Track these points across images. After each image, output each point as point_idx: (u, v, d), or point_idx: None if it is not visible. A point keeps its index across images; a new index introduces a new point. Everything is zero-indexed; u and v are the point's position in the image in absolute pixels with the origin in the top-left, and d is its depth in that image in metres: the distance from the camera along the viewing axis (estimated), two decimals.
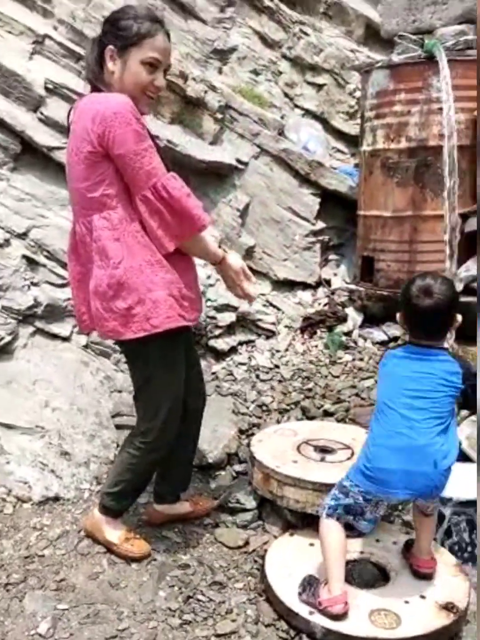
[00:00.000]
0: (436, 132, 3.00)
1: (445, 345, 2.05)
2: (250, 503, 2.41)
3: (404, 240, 3.23)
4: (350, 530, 1.96)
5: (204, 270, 3.29)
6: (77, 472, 2.61)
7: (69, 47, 3.43)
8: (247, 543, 2.28)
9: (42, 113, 3.23)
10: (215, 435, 2.79)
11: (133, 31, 1.91)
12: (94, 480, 2.61)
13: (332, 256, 4.01)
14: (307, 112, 4.29)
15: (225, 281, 2.16)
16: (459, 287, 2.73)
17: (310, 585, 1.91)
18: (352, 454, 2.37)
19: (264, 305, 3.64)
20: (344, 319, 3.55)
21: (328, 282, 3.89)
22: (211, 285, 3.33)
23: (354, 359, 3.30)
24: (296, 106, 4.30)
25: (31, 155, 3.25)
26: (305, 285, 3.88)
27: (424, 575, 1.98)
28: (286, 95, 4.30)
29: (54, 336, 3.08)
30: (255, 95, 4.05)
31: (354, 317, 3.58)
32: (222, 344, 3.38)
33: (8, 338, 2.88)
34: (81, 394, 2.91)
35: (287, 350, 3.41)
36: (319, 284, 3.91)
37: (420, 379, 1.85)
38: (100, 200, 1.91)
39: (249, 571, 2.15)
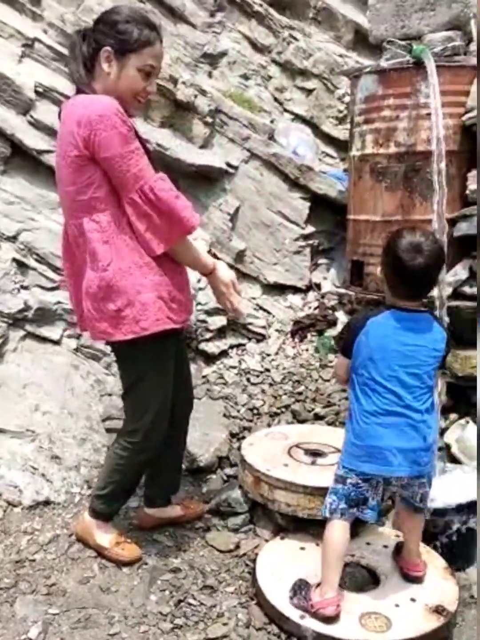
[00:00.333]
0: (424, 138, 3.02)
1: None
2: (241, 507, 2.42)
3: None
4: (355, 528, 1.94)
5: (194, 274, 3.26)
6: (68, 476, 2.61)
7: (58, 51, 3.42)
8: (238, 547, 2.29)
9: (31, 116, 3.22)
10: (206, 438, 2.79)
11: (134, 37, 1.90)
12: (84, 484, 2.60)
13: (322, 260, 4.02)
14: (297, 117, 4.31)
15: (215, 293, 2.15)
16: (448, 291, 2.75)
17: (300, 588, 1.92)
18: None
19: (255, 309, 3.65)
20: (334, 323, 3.57)
21: (318, 286, 3.90)
22: (201, 289, 3.33)
23: None
24: (286, 111, 4.31)
25: (21, 159, 3.24)
26: (295, 289, 3.89)
27: (414, 579, 1.99)
28: (276, 99, 4.31)
29: (44, 340, 3.07)
30: (245, 100, 4.06)
31: (344, 320, 3.59)
32: (212, 347, 3.38)
33: None
34: (71, 398, 2.90)
35: (277, 354, 3.42)
36: (309, 287, 3.92)
37: (413, 354, 1.80)
38: (88, 204, 1.91)
39: (240, 575, 2.16)
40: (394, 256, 1.79)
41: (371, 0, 3.40)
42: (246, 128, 3.87)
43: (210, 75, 4.13)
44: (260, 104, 4.16)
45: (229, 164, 3.79)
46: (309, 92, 4.34)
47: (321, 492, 2.03)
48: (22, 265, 3.10)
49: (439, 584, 1.99)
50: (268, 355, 3.41)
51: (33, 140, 3.20)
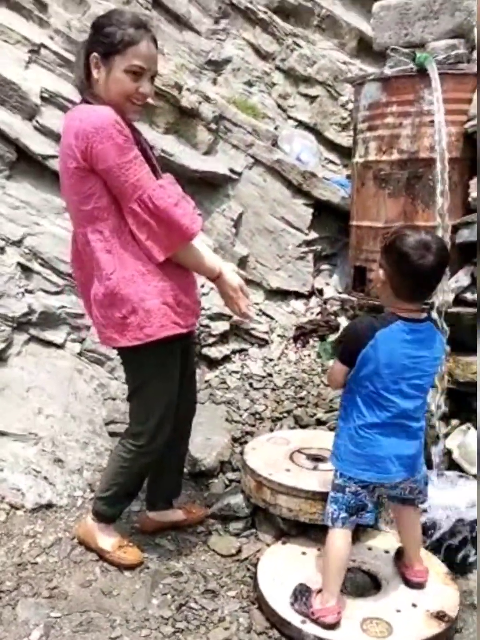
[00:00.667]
0: (427, 145, 3.04)
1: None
2: (243, 511, 2.42)
3: None
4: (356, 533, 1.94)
5: (199, 277, 3.30)
6: (71, 480, 2.61)
7: (64, 57, 3.45)
8: (239, 551, 2.29)
9: (37, 122, 3.25)
10: (208, 443, 2.80)
11: (117, 38, 1.86)
12: (87, 488, 2.61)
13: (324, 266, 4.04)
14: (300, 124, 4.33)
15: (222, 297, 2.13)
16: (450, 298, 2.76)
17: (302, 594, 1.92)
18: None
19: (257, 314, 3.66)
20: (336, 329, 3.57)
21: (320, 292, 3.91)
22: (205, 294, 3.34)
23: None
24: (289, 117, 4.34)
25: (26, 164, 3.27)
26: (298, 295, 3.90)
27: (415, 584, 1.99)
28: (279, 106, 4.34)
29: (48, 343, 3.09)
30: (249, 106, 4.08)
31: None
32: (215, 352, 3.40)
33: (2, 345, 2.88)
34: (75, 402, 2.92)
35: (280, 359, 3.43)
36: (311, 293, 3.93)
37: (416, 365, 1.77)
38: (91, 214, 1.92)
39: (242, 579, 2.16)
40: (401, 255, 1.70)
41: (375, 8, 3.42)
42: (250, 134, 3.89)
43: (214, 82, 4.16)
44: (264, 110, 4.19)
45: (232, 170, 3.81)
46: (313, 99, 4.36)
47: (323, 497, 2.03)
48: (26, 270, 3.12)
49: (440, 589, 1.99)
50: (270, 360, 3.42)
51: (38, 145, 3.22)
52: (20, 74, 3.26)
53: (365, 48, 4.37)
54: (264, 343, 3.55)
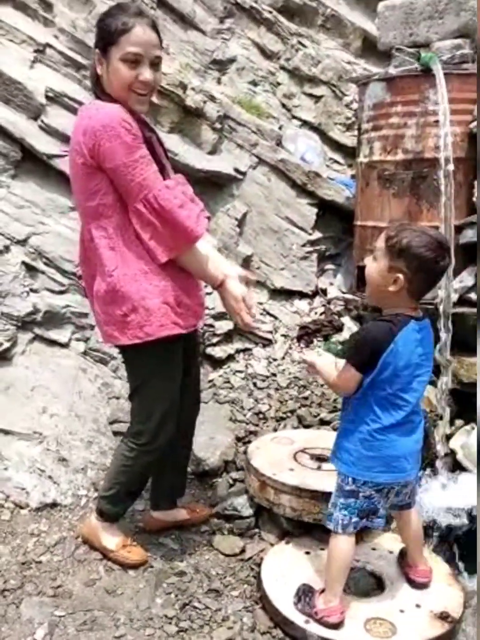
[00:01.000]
0: (432, 145, 3.03)
1: None
2: (247, 511, 2.42)
3: None
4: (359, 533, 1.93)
5: None
6: (75, 479, 2.62)
7: (69, 56, 3.46)
8: (243, 550, 2.29)
9: (42, 121, 3.26)
10: (212, 442, 2.80)
11: (111, 29, 1.85)
12: (91, 487, 2.62)
13: (328, 266, 4.04)
14: (305, 123, 4.33)
15: (225, 307, 2.08)
16: (454, 298, 2.75)
17: (305, 594, 1.92)
18: None
19: (261, 314, 3.66)
20: (340, 328, 3.57)
21: (324, 292, 3.91)
22: (208, 294, 3.34)
23: None
24: (294, 117, 4.34)
25: (31, 163, 3.27)
26: (302, 295, 3.90)
27: (419, 585, 1.99)
28: (284, 106, 4.33)
29: (53, 343, 3.10)
30: (254, 106, 4.08)
31: (350, 326, 3.60)
32: (219, 351, 3.40)
33: (7, 344, 2.89)
34: (79, 401, 2.92)
35: (283, 358, 3.43)
36: (315, 293, 3.93)
37: (423, 362, 1.78)
38: (96, 210, 1.93)
39: (246, 579, 2.16)
40: (421, 258, 1.67)
41: (380, 8, 3.42)
42: (254, 134, 3.89)
43: (219, 81, 4.16)
44: (268, 110, 4.18)
45: (237, 170, 3.81)
46: (317, 98, 4.36)
47: (326, 497, 2.03)
48: (31, 269, 3.13)
49: (443, 589, 1.99)
50: (274, 360, 3.42)
51: (43, 144, 3.23)
52: (26, 74, 3.27)
53: (369, 48, 4.37)
54: (268, 343, 3.55)
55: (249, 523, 2.40)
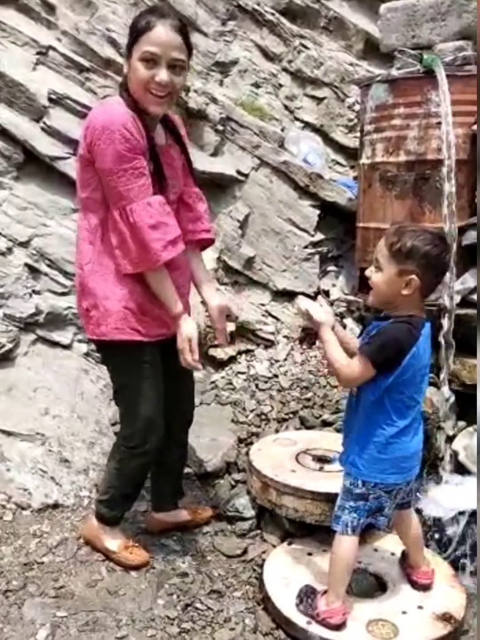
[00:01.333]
0: (434, 146, 3.03)
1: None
2: (249, 512, 2.43)
3: None
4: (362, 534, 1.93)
5: None
6: (77, 480, 2.62)
7: (72, 59, 3.47)
8: (245, 552, 2.30)
9: (45, 123, 3.26)
10: (214, 444, 2.80)
11: (136, 28, 1.86)
12: (93, 488, 2.62)
13: (330, 267, 4.04)
14: (307, 125, 4.33)
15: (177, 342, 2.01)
16: (457, 299, 2.75)
17: (307, 595, 1.92)
18: None
19: (263, 316, 3.66)
20: None
21: (327, 293, 3.91)
22: None
23: None
24: (296, 119, 4.34)
25: (34, 165, 3.28)
26: (304, 296, 3.89)
27: (422, 586, 1.99)
28: (286, 108, 4.33)
29: (55, 344, 3.10)
30: (256, 108, 4.09)
31: (352, 327, 3.60)
32: (221, 353, 3.40)
33: (9, 345, 2.90)
34: (81, 402, 2.93)
35: (286, 360, 3.43)
36: (317, 294, 3.93)
37: (428, 361, 1.80)
38: (84, 202, 1.97)
39: (248, 580, 2.16)
40: (425, 254, 1.68)
41: (382, 10, 3.42)
42: (257, 136, 3.89)
43: (221, 83, 4.17)
44: (271, 112, 4.18)
45: (239, 172, 3.81)
46: (320, 100, 4.36)
47: (329, 498, 2.03)
48: (34, 271, 3.13)
49: (446, 591, 1.99)
50: (276, 361, 3.42)
51: (46, 146, 3.23)
52: (28, 76, 3.28)
53: (372, 50, 4.36)
54: (270, 344, 3.55)
55: (251, 524, 2.40)
